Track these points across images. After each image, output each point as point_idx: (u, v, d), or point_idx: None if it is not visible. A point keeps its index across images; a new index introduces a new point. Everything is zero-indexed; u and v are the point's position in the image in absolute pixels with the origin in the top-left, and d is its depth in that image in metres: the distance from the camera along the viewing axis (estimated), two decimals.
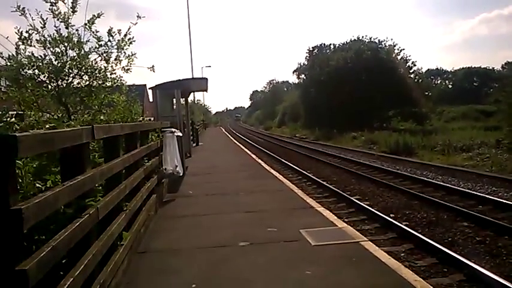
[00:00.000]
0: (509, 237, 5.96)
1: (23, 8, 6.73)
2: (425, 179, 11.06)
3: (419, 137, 22.08)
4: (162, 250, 4.39)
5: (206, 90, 18.01)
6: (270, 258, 3.96)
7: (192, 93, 24.72)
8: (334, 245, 4.28)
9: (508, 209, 7.50)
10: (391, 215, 7.45)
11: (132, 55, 7.76)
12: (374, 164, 14.75)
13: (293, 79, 78.50)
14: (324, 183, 10.81)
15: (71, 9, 7.09)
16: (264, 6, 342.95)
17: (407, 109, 35.60)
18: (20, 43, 6.96)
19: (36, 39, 7.03)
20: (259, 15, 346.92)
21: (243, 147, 20.03)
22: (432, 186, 10.02)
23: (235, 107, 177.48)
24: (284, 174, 11.32)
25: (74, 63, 7.33)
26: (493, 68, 64.78)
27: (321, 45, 56.56)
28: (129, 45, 7.65)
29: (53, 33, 7.09)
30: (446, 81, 70.72)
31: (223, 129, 53.36)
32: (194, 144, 20.36)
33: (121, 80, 8.00)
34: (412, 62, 38.78)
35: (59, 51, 7.21)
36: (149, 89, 12.43)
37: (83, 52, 7.36)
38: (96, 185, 3.29)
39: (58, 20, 7.05)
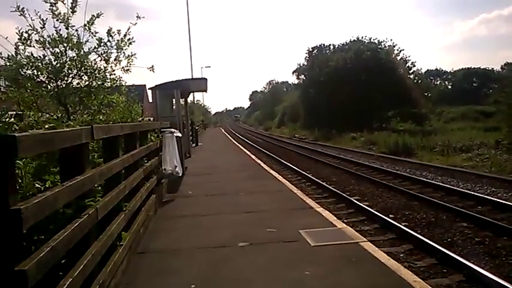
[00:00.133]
0: (508, 238, 5.96)
1: (23, 8, 6.74)
2: (425, 179, 11.06)
3: (419, 138, 22.09)
4: (162, 250, 4.39)
5: (206, 91, 17.98)
6: (270, 259, 3.97)
7: (191, 94, 24.71)
8: (334, 245, 4.28)
9: (507, 209, 7.50)
10: (391, 216, 7.44)
11: (132, 55, 7.75)
12: (373, 164, 14.76)
13: (292, 79, 78.47)
14: (324, 183, 10.80)
15: (71, 10, 7.08)
16: (263, 6, 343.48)
17: (407, 110, 35.54)
18: (20, 43, 6.96)
19: (36, 40, 7.03)
20: (259, 16, 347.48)
21: (242, 148, 20.04)
22: (431, 187, 10.02)
23: (235, 108, 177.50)
24: (283, 175, 11.33)
25: (74, 63, 7.32)
26: (493, 68, 64.98)
27: (320, 45, 56.59)
28: (128, 46, 7.64)
29: (53, 34, 7.09)
30: (446, 82, 70.84)
31: (223, 130, 53.37)
32: (194, 145, 20.38)
33: (120, 80, 8.00)
34: (412, 63, 38.97)
35: (59, 51, 7.20)
36: (149, 89, 12.41)
37: (82, 52, 7.35)
38: (96, 185, 3.29)
39: (58, 20, 7.05)
